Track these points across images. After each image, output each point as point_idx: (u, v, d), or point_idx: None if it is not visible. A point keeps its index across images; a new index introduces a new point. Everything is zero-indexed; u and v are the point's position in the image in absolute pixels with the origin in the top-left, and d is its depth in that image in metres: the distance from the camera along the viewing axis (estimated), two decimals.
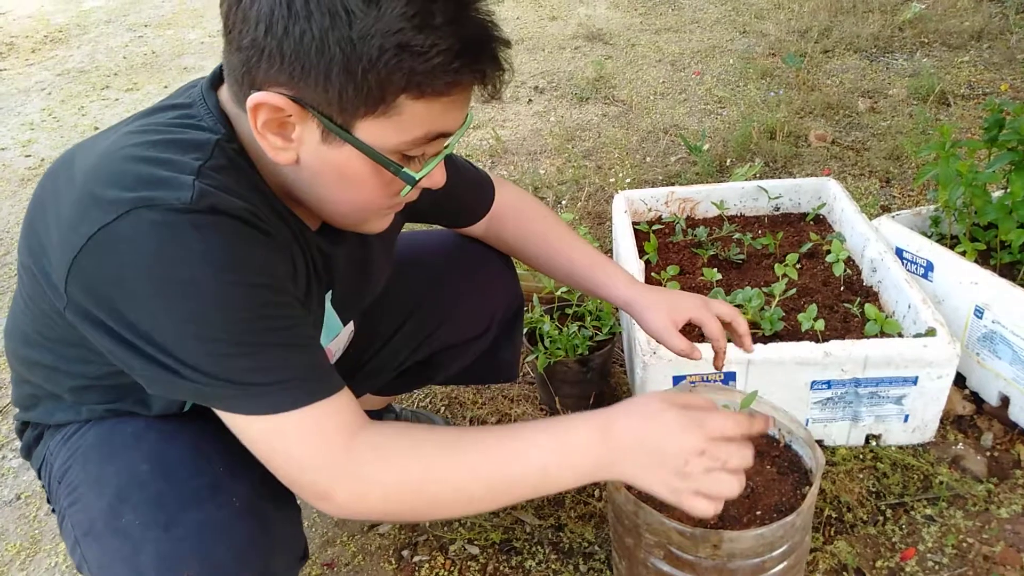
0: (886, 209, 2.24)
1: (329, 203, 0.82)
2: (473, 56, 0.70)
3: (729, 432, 0.79)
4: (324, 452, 0.76)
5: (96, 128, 3.45)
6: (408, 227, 1.19)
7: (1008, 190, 1.50)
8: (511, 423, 0.88)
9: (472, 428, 0.83)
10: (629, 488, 1.06)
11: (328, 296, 0.95)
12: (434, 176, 0.81)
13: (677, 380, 1.40)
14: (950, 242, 1.63)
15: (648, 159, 2.71)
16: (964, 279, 1.49)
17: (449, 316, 1.24)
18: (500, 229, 1.25)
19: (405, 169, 0.76)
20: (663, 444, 0.78)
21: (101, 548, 0.80)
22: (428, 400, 1.70)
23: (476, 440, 0.80)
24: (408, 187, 0.79)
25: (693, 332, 1.51)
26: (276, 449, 0.76)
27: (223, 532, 0.78)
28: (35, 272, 0.78)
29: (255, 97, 0.71)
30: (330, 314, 0.98)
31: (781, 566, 1.02)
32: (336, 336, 1.04)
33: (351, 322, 1.10)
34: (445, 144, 0.79)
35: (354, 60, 0.67)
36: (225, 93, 0.80)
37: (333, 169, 0.76)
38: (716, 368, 1.18)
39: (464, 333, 1.28)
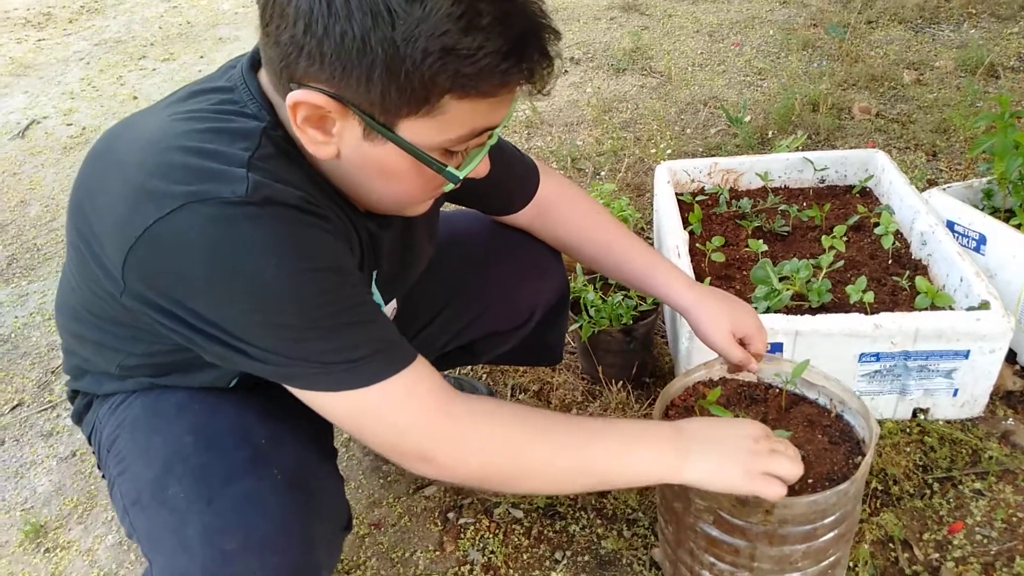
0: (932, 183, 2.20)
1: (371, 193, 0.82)
2: (521, 55, 0.68)
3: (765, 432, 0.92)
4: (423, 415, 0.78)
5: (135, 98, 3.48)
6: (451, 207, 1.18)
7: None
8: (591, 417, 0.94)
9: (560, 414, 0.90)
10: None
11: (374, 276, 0.96)
12: (477, 168, 0.81)
13: None
14: (1004, 215, 1.59)
15: (687, 131, 2.68)
16: (1019, 252, 1.46)
17: (490, 305, 1.23)
18: (546, 221, 1.21)
19: (449, 168, 0.76)
20: (730, 433, 0.90)
21: (148, 519, 0.82)
22: (470, 367, 1.72)
23: (569, 424, 0.88)
24: (451, 184, 0.79)
25: None
26: (368, 420, 0.78)
27: (265, 505, 0.79)
28: (85, 254, 0.78)
29: (295, 95, 0.69)
30: (375, 294, 0.99)
31: (832, 534, 1.02)
32: None
33: (393, 301, 1.10)
34: (489, 136, 0.78)
35: (397, 62, 0.65)
36: (264, 75, 0.78)
37: (375, 164, 0.75)
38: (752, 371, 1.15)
39: (506, 322, 1.26)
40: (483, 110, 0.72)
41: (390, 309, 1.11)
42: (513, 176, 1.15)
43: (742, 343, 1.12)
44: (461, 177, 0.78)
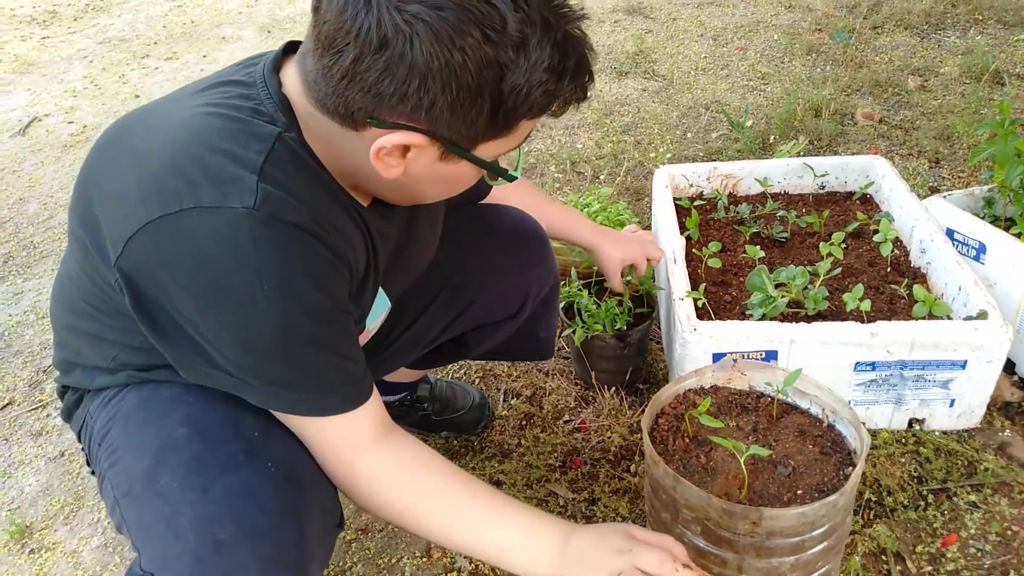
0: (935, 190, 2.18)
1: (415, 196, 0.88)
2: (585, 87, 0.78)
3: (648, 569, 0.84)
4: (335, 465, 0.87)
5: (137, 96, 3.49)
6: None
7: None
8: (501, 494, 0.93)
9: (465, 480, 0.90)
10: (668, 461, 1.05)
11: (380, 273, 0.95)
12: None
13: (717, 357, 1.38)
14: (1004, 224, 1.57)
15: (689, 135, 2.66)
16: (1018, 262, 1.44)
17: (481, 295, 1.23)
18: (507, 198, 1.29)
19: (511, 171, 0.84)
20: (597, 561, 0.86)
21: (140, 509, 0.81)
22: (463, 372, 1.70)
23: (463, 509, 0.89)
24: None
25: None
26: (307, 442, 0.86)
27: (259, 497, 0.79)
28: (87, 244, 0.80)
29: (391, 139, 0.73)
30: (380, 294, 0.98)
31: (821, 546, 1.00)
32: (380, 315, 1.04)
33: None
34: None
35: (499, 106, 0.72)
36: (290, 77, 0.80)
37: (443, 177, 0.82)
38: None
39: (497, 312, 1.27)
40: (538, 119, 0.80)
41: (387, 310, 1.10)
42: None
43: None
44: (518, 176, 0.87)
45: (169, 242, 0.71)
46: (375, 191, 0.87)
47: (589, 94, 0.81)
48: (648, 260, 1.47)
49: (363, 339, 1.11)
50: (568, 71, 0.73)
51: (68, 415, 1.00)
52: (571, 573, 0.87)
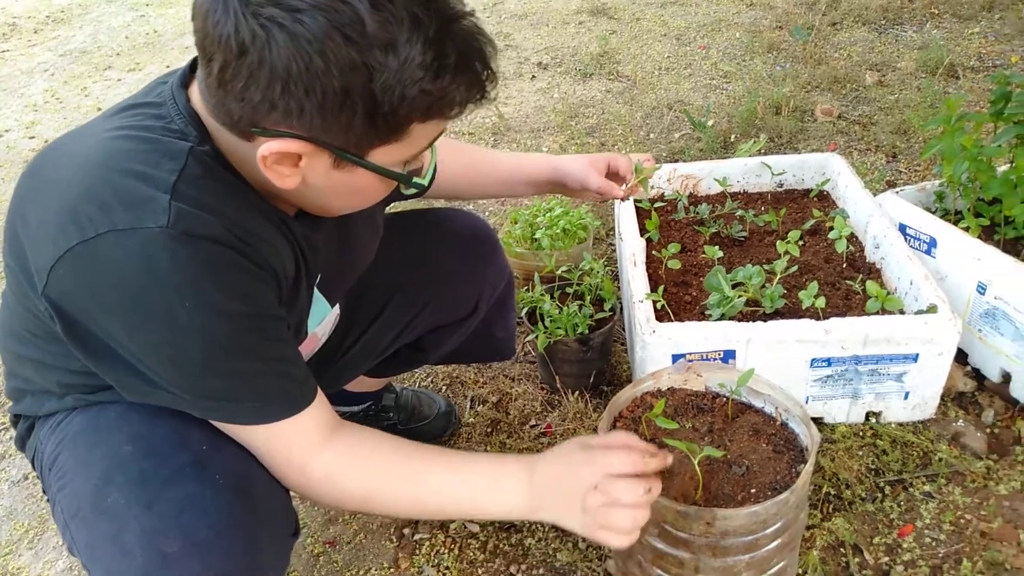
0: (892, 184, 2.22)
1: (328, 206, 0.87)
2: (480, 84, 0.76)
3: (618, 469, 0.86)
4: (287, 470, 0.87)
5: (99, 109, 3.45)
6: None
7: (1013, 164, 1.48)
8: (459, 452, 0.94)
9: (420, 452, 0.91)
10: None
11: (317, 280, 0.95)
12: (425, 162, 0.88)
13: (676, 358, 1.40)
14: (954, 218, 1.61)
15: (652, 135, 2.69)
16: (967, 255, 1.47)
17: (433, 297, 1.24)
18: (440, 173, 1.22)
19: (416, 179, 0.82)
20: (569, 483, 0.87)
21: (88, 529, 0.81)
22: (429, 380, 1.71)
23: (421, 472, 0.90)
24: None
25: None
26: (257, 453, 0.86)
27: (205, 509, 0.79)
28: (19, 274, 0.81)
29: (270, 147, 0.73)
30: (318, 298, 0.98)
31: (775, 543, 1.02)
32: (323, 320, 1.04)
33: (336, 306, 1.10)
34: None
35: (375, 108, 0.71)
36: (196, 93, 0.80)
37: (343, 185, 0.80)
38: (621, 198, 1.28)
39: (451, 314, 1.27)
40: (440, 124, 0.79)
41: (333, 315, 1.11)
42: None
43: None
44: (427, 185, 0.85)
45: (88, 268, 0.72)
46: (290, 201, 0.86)
47: (491, 92, 0.78)
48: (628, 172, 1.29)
49: (314, 346, 1.11)
50: (448, 68, 0.71)
51: (22, 443, 1.00)
52: (548, 504, 0.89)
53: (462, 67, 0.72)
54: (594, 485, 0.85)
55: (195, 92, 0.80)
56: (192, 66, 0.82)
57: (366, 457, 0.90)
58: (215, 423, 0.84)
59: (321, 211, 0.88)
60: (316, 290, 0.98)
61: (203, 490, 0.80)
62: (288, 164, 0.76)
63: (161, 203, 0.72)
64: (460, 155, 1.26)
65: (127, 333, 0.75)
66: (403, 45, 0.69)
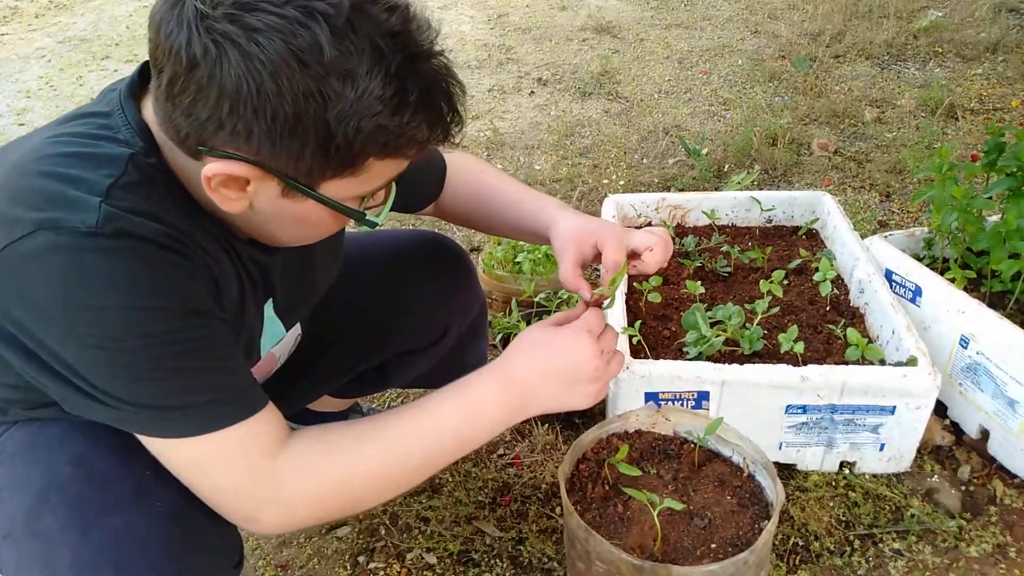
0: (883, 224, 2.20)
1: (279, 235, 0.83)
2: (443, 124, 0.73)
3: (598, 327, 0.90)
4: (250, 479, 0.78)
5: (91, 99, 3.41)
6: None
7: (1003, 217, 1.46)
8: (417, 400, 0.88)
9: (384, 413, 0.86)
10: (582, 515, 1.03)
11: (269, 304, 0.92)
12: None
13: (649, 396, 1.37)
14: (942, 266, 1.58)
15: (645, 160, 2.66)
16: (951, 307, 1.44)
17: (398, 322, 1.20)
18: (453, 200, 1.16)
19: (368, 216, 0.79)
20: (570, 362, 0.86)
21: (18, 550, 0.78)
22: (399, 400, 1.67)
23: (389, 426, 0.83)
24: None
25: None
26: (200, 475, 0.78)
27: (142, 539, 0.76)
28: None
29: (214, 168, 0.70)
30: (272, 321, 0.95)
31: None
32: (280, 341, 1.01)
33: (297, 325, 1.07)
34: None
35: (328, 139, 0.68)
36: (148, 105, 0.77)
37: (291, 216, 0.77)
38: (585, 303, 0.96)
39: (418, 340, 1.24)
40: (400, 162, 0.76)
41: (292, 335, 1.07)
42: (422, 172, 1.11)
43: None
44: (379, 223, 0.81)
45: (16, 269, 0.68)
46: (243, 228, 0.82)
47: (455, 134, 0.75)
48: (633, 256, 1.01)
49: (271, 367, 1.08)
50: (408, 105, 0.68)
51: None
52: (538, 399, 0.88)
53: (424, 105, 0.70)
54: (600, 352, 0.87)
55: (148, 104, 0.77)
56: (142, 73, 0.79)
57: (331, 440, 0.82)
58: (159, 456, 0.78)
59: (269, 240, 0.84)
60: (272, 313, 0.95)
61: (142, 519, 0.77)
62: (235, 188, 0.73)
63: (91, 204, 0.69)
64: (485, 174, 1.17)
65: (59, 338, 0.70)
66: (362, 77, 0.66)
